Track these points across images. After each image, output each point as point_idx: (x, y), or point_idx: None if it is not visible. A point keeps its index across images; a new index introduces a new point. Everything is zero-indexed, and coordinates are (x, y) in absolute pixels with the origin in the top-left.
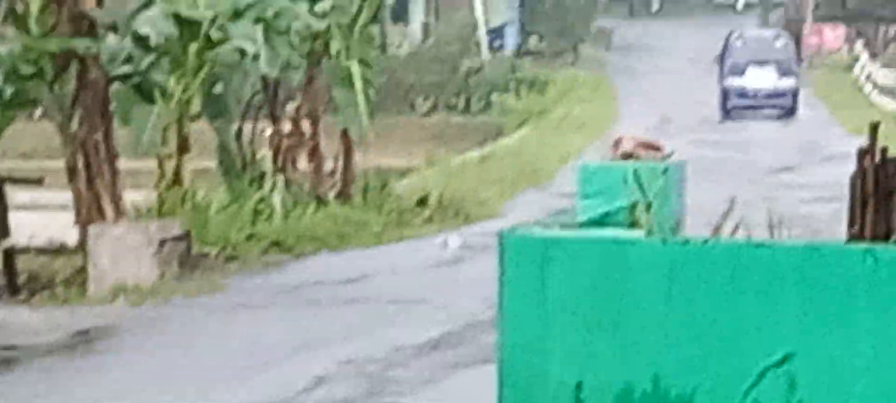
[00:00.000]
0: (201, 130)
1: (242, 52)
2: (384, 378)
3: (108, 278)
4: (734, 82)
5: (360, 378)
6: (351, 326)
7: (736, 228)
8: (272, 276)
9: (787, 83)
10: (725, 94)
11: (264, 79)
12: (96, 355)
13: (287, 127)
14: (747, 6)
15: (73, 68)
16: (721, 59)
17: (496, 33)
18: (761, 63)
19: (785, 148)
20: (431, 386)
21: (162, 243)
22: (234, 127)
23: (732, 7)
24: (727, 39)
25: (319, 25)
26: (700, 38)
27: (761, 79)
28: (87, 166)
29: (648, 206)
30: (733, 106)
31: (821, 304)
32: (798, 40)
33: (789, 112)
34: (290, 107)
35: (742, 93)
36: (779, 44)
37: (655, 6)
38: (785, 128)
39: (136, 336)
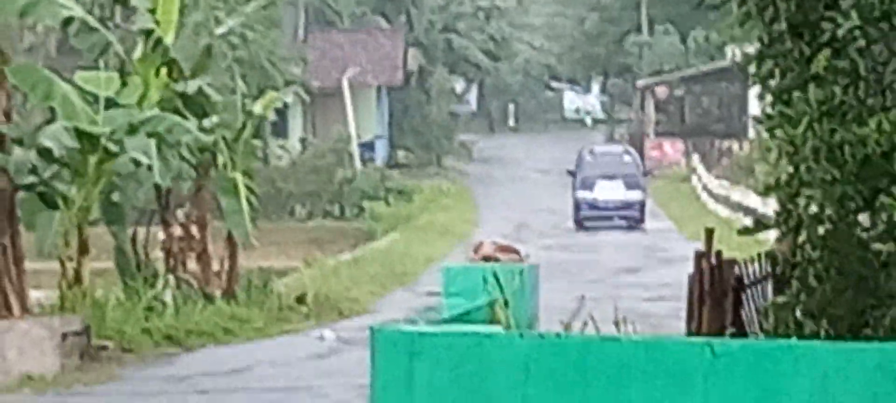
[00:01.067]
0: (100, 234)
1: (137, 163)
2: None
3: (14, 369)
4: (586, 195)
5: None
6: None
7: (585, 324)
8: (164, 367)
9: (635, 195)
10: (577, 206)
11: (157, 187)
12: None
13: (177, 231)
14: (595, 121)
15: None
16: (573, 173)
17: (367, 146)
18: (610, 177)
19: (629, 252)
20: None
21: (64, 336)
22: (130, 231)
23: (582, 122)
24: (580, 155)
25: (207, 140)
26: (553, 150)
27: (610, 192)
28: None
29: (506, 304)
30: (584, 216)
31: (664, 392)
32: (641, 153)
33: (637, 221)
34: (181, 213)
35: (593, 205)
36: (626, 159)
37: (512, 122)
38: (630, 234)
39: None
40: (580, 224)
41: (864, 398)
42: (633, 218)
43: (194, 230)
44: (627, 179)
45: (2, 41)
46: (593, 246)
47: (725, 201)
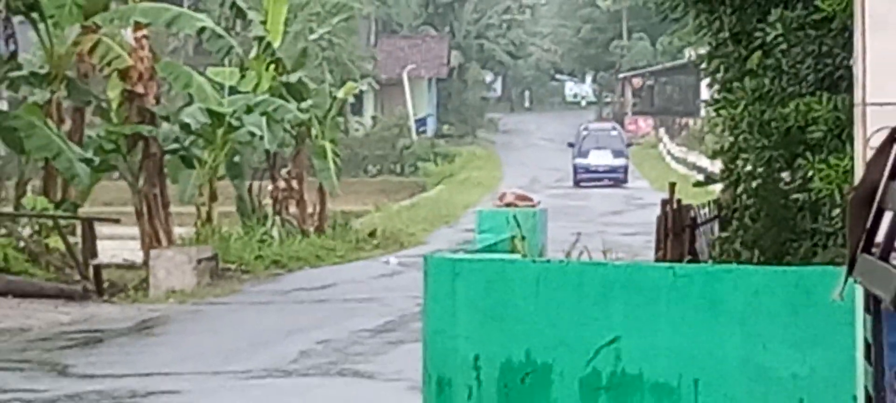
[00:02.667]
0: (225, 186)
1: (252, 134)
2: (347, 352)
3: (163, 285)
4: (581, 161)
5: (331, 352)
6: (323, 318)
7: (581, 252)
8: (272, 283)
9: (619, 162)
10: (576, 170)
11: (267, 152)
12: (154, 336)
13: (282, 184)
14: (588, 104)
15: (140, 145)
16: (573, 144)
17: (421, 122)
18: (601, 148)
19: (614, 201)
20: (379, 356)
21: (199, 261)
22: (247, 184)
23: (578, 104)
24: (578, 131)
25: (303, 117)
26: (557, 125)
27: (601, 158)
28: (149, 210)
29: (523, 238)
30: (581, 178)
31: (637, 304)
32: (622, 127)
33: (621, 181)
34: (284, 171)
35: (587, 169)
36: (613, 133)
37: (527, 104)
38: (615, 189)
39: (180, 323)
40: (578, 183)
41: (785, 308)
42: (618, 178)
43: (294, 183)
44: (614, 149)
45: (154, 45)
46: (587, 196)
47: (684, 162)
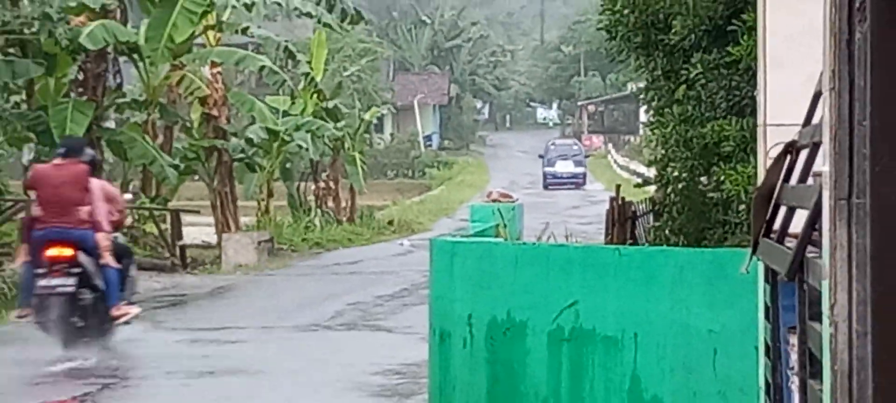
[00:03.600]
0: (279, 186)
1: (300, 146)
2: (371, 311)
3: (231, 261)
4: (549, 169)
5: (359, 311)
6: (353, 286)
7: (548, 237)
8: (314, 260)
9: (580, 169)
10: (545, 176)
11: (311, 160)
12: (225, 298)
13: (322, 185)
14: (554, 124)
15: (215, 155)
16: (542, 155)
17: (427, 138)
18: (564, 158)
19: (574, 199)
20: (396, 315)
21: (259, 243)
22: (296, 184)
23: (547, 125)
24: (546, 146)
25: (339, 134)
26: (531, 140)
27: (565, 167)
28: (221, 204)
29: (505, 226)
30: (549, 183)
31: (591, 277)
32: (580, 142)
33: (581, 185)
34: (324, 175)
35: (554, 176)
36: (575, 148)
37: (508, 125)
38: (576, 191)
39: (245, 289)
40: (546, 186)
41: (704, 280)
42: (578, 182)
43: (331, 184)
44: (575, 159)
45: (225, 79)
46: (553, 196)
47: (627, 169)
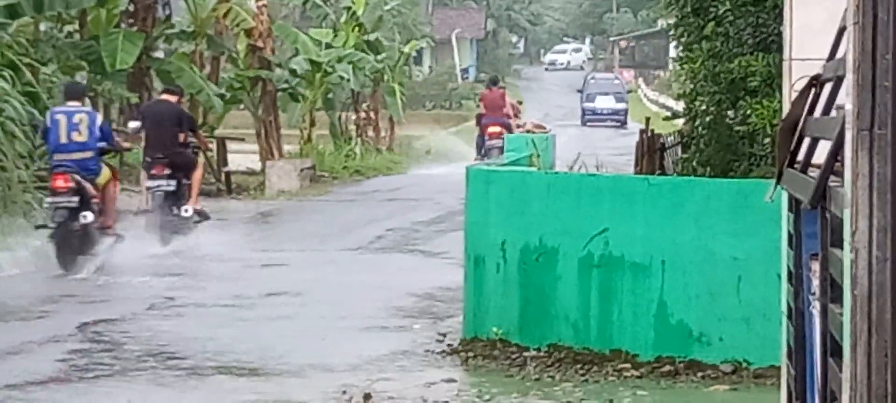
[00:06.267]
0: (321, 115)
1: (342, 78)
2: (409, 236)
3: (275, 187)
4: (589, 105)
5: (397, 236)
6: (392, 211)
7: (580, 167)
8: (355, 187)
9: (621, 105)
10: (583, 112)
11: (352, 90)
12: (269, 222)
13: (363, 114)
14: (588, 59)
15: (259, 85)
16: (581, 90)
17: (465, 71)
18: (605, 93)
19: (606, 130)
20: (432, 240)
21: (301, 170)
22: (337, 114)
23: (582, 67)
24: (585, 79)
25: (379, 66)
26: (563, 75)
27: (606, 103)
28: (266, 132)
29: (538, 156)
30: (588, 120)
31: (622, 205)
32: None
33: (623, 123)
34: (364, 105)
35: (593, 112)
36: (616, 82)
37: (542, 59)
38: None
39: (288, 214)
40: (585, 123)
41: (729, 209)
42: (620, 121)
43: (372, 114)
44: (617, 95)
45: (270, 11)
46: (585, 129)
47: (656, 103)
